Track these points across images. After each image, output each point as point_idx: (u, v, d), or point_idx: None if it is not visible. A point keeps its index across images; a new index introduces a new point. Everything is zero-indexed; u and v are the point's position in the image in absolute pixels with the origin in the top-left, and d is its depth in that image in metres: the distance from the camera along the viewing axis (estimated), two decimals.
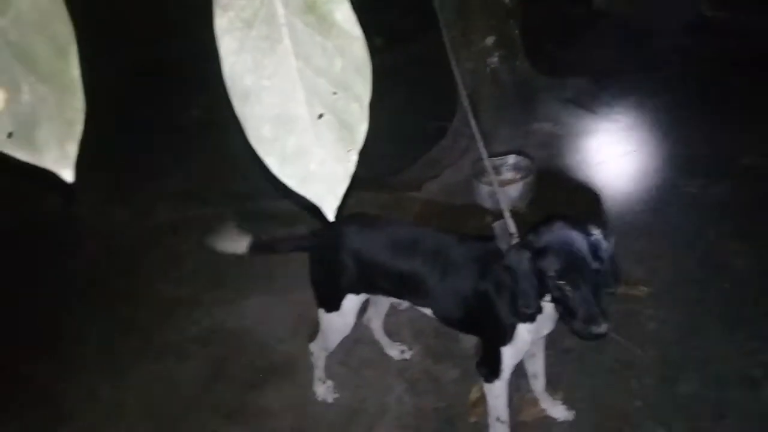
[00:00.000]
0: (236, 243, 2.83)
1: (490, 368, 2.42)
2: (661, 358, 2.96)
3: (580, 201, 3.95)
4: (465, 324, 2.49)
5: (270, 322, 3.53)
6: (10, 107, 0.63)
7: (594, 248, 2.00)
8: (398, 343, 3.20)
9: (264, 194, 4.53)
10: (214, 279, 3.85)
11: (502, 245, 2.20)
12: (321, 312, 2.68)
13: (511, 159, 3.99)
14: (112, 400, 3.21)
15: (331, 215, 0.80)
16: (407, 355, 3.18)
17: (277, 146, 0.78)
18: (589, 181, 4.12)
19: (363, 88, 0.78)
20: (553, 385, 2.83)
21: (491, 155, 4.06)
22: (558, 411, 2.80)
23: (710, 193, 3.83)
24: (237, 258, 3.95)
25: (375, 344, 3.22)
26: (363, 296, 2.60)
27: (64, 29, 0.65)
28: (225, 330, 3.52)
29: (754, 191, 3.78)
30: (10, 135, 0.64)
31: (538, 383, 2.77)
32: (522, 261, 2.04)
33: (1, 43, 0.63)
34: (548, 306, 2.18)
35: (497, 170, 3.98)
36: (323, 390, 3.03)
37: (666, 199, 3.83)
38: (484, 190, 3.89)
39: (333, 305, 2.60)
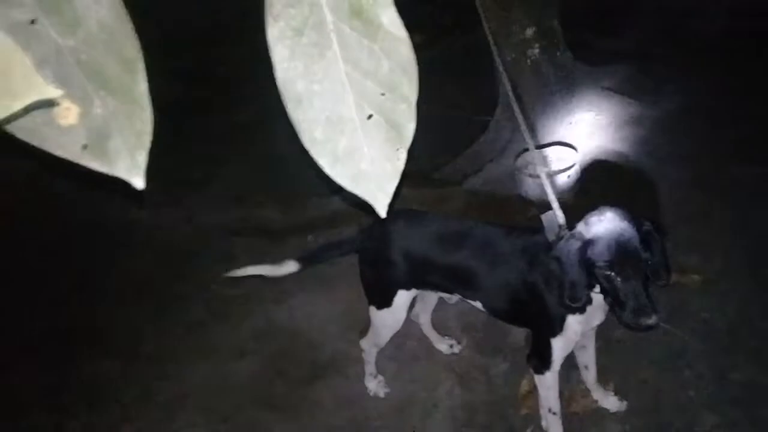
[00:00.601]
0: (284, 267, 2.87)
1: (541, 359, 2.44)
2: (714, 348, 2.93)
3: (629, 191, 3.89)
4: (514, 316, 2.51)
5: (320, 319, 3.59)
6: (83, 121, 0.68)
7: (644, 239, 2.00)
8: (447, 338, 3.23)
9: (313, 195, 4.63)
10: (265, 279, 3.92)
11: (550, 236, 2.21)
12: (372, 309, 2.72)
13: (556, 150, 3.95)
14: (170, 398, 3.31)
15: (382, 212, 0.83)
16: (456, 349, 3.20)
17: (329, 147, 0.82)
18: (637, 170, 4.07)
19: (410, 88, 0.82)
20: (604, 377, 2.82)
21: (535, 147, 4.07)
22: (610, 402, 2.79)
23: (761, 177, 3.73)
24: (288, 257, 4.08)
25: (423, 339, 3.25)
26: (413, 292, 2.64)
27: (130, 45, 0.70)
28: (277, 328, 3.59)
29: None
30: (84, 147, 0.69)
31: (589, 374, 2.76)
32: (571, 251, 2.05)
33: (72, 62, 0.68)
34: (598, 297, 2.18)
35: (542, 162, 3.96)
36: (375, 385, 3.07)
37: (719, 184, 3.75)
38: (528, 182, 3.88)
39: (384, 302, 2.64)
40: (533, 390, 2.89)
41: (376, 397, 3.07)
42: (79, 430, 3.24)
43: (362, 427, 2.98)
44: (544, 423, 2.66)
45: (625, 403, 2.78)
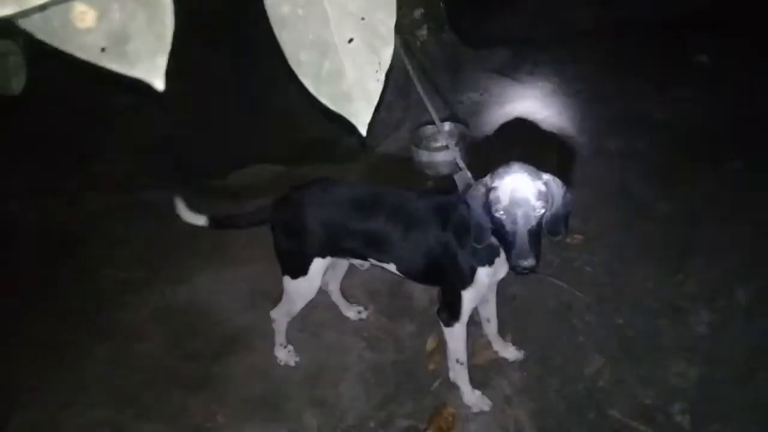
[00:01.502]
0: (197, 217, 2.94)
1: (451, 312, 2.59)
2: (598, 298, 3.23)
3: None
4: (427, 275, 2.63)
5: (223, 296, 3.56)
6: (101, 24, 0.71)
7: (541, 192, 2.16)
8: (354, 305, 3.32)
9: (200, 175, 4.56)
10: (162, 259, 3.84)
11: (462, 189, 2.34)
12: (286, 278, 2.75)
13: (447, 126, 4.15)
14: (70, 383, 3.16)
15: (363, 130, 0.91)
16: (364, 315, 3.31)
17: (313, 69, 0.88)
18: (519, 143, 4.35)
19: (388, 13, 0.89)
20: (502, 329, 3.03)
21: (425, 124, 4.26)
22: (509, 352, 3.01)
23: (630, 148, 4.15)
24: (182, 238, 4.00)
25: (331, 308, 3.32)
26: (328, 259, 2.69)
27: None
28: (179, 307, 3.52)
29: (669, 143, 4.13)
30: (103, 49, 0.71)
31: (491, 326, 2.96)
32: (477, 196, 2.20)
33: None
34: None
35: (434, 138, 4.15)
36: (285, 354, 3.11)
37: (591, 155, 4.11)
38: (423, 156, 4.04)
39: (300, 271, 2.68)
40: (438, 347, 3.07)
41: (287, 367, 3.11)
42: None
43: (276, 396, 3.01)
44: (451, 374, 2.83)
45: (522, 352, 3.01)
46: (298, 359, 3.13)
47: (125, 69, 0.72)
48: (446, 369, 2.88)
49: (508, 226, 2.12)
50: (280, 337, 3.08)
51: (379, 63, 0.91)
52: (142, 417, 2.95)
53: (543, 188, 2.14)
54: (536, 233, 2.13)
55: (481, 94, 4.89)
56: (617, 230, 3.56)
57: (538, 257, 2.13)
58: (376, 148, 4.47)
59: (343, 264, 3.08)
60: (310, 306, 3.17)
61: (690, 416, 2.69)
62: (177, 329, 3.40)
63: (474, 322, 2.94)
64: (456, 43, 4.99)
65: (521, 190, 2.11)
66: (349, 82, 0.90)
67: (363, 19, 0.87)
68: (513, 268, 2.16)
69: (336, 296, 3.27)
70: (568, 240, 3.49)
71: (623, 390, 2.82)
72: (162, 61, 0.73)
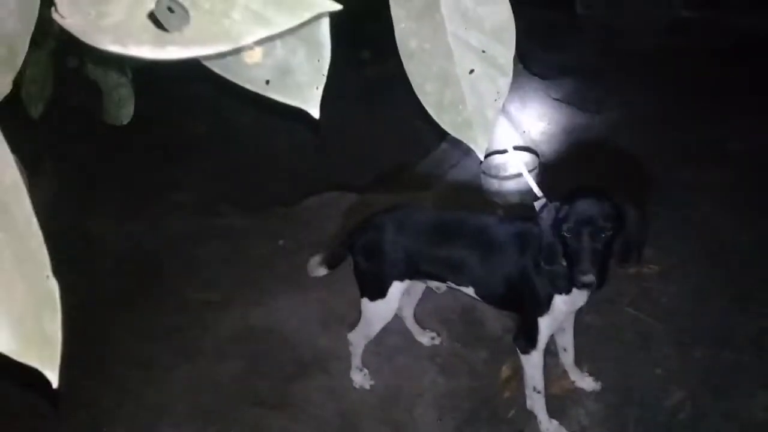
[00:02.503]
0: (320, 268, 3.05)
1: (528, 339, 2.60)
2: (677, 329, 3.18)
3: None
4: (505, 300, 2.66)
5: (299, 319, 3.64)
6: (267, 60, 0.80)
7: (610, 214, 2.18)
8: (427, 330, 3.36)
9: (276, 203, 4.71)
10: (240, 282, 3.96)
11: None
12: (364, 301, 2.83)
13: (518, 154, 4.18)
14: (153, 403, 3.27)
15: (481, 154, 0.97)
16: (437, 341, 3.33)
17: (436, 98, 0.96)
18: (590, 173, 4.34)
19: (507, 46, 0.96)
20: (578, 359, 3.01)
21: (494, 153, 4.30)
22: (586, 382, 2.99)
23: (706, 178, 4.08)
24: (259, 262, 4.14)
25: (404, 333, 3.36)
26: (407, 282, 2.76)
27: None
28: (257, 329, 3.62)
29: (746, 174, 4.05)
30: (268, 82, 0.80)
31: (567, 356, 2.95)
32: (548, 218, 2.27)
33: None
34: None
35: (504, 167, 4.19)
36: (360, 378, 3.16)
37: (665, 185, 4.06)
38: (493, 184, 4.08)
39: (379, 293, 2.75)
40: (514, 375, 3.07)
41: (362, 390, 3.15)
42: None
43: (351, 419, 3.06)
44: (528, 402, 2.82)
45: (599, 383, 2.98)
46: (373, 382, 3.17)
47: (287, 99, 0.80)
48: (522, 397, 2.88)
49: (574, 244, 2.17)
50: (356, 360, 3.13)
51: (498, 92, 0.98)
52: None
53: (612, 211, 2.18)
54: (602, 253, 2.17)
55: (548, 124, 4.91)
56: (695, 262, 3.51)
57: (602, 277, 2.19)
58: (445, 176, 4.53)
59: (417, 290, 3.13)
60: (384, 331, 3.22)
61: None
62: (255, 351, 3.50)
63: (550, 352, 2.92)
64: (522, 73, 5.05)
65: (589, 210, 2.18)
66: (469, 110, 0.97)
67: (484, 51, 0.94)
68: (573, 282, 2.23)
69: (410, 322, 3.31)
70: (645, 270, 3.45)
71: (705, 424, 2.75)
72: (319, 92, 0.81)
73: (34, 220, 0.65)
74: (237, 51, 0.77)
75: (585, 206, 2.18)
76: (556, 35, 5.90)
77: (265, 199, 4.79)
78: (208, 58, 0.74)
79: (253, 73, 0.80)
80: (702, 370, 2.96)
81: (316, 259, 3.06)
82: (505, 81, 0.98)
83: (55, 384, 0.61)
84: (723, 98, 4.87)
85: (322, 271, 3.02)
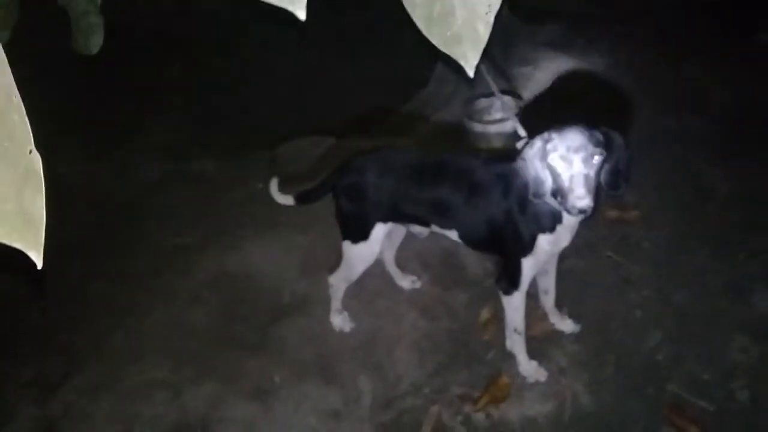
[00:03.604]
0: (286, 197, 3.02)
1: (511, 280, 2.58)
2: (656, 274, 3.19)
3: None
4: (489, 242, 2.62)
5: (277, 264, 3.59)
6: None
7: (599, 140, 2.15)
8: (408, 274, 3.33)
9: (251, 146, 4.60)
10: (215, 227, 3.89)
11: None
12: (346, 243, 2.77)
13: (500, 99, 4.10)
14: (125, 345, 3.24)
15: (471, 71, 0.91)
16: (417, 285, 3.32)
17: (425, 10, 0.89)
18: (573, 118, 4.29)
19: None
20: (559, 303, 3.01)
21: (477, 97, 4.23)
22: (566, 324, 3.00)
23: (689, 126, 4.06)
24: (234, 206, 4.06)
25: (385, 277, 3.33)
26: (390, 225, 2.71)
27: None
28: (234, 274, 3.56)
29: (729, 124, 4.03)
30: None
31: (548, 299, 2.95)
32: (533, 149, 2.23)
33: None
34: (567, 218, 2.34)
35: (488, 111, 4.12)
36: (340, 320, 3.14)
37: (649, 132, 4.03)
38: (476, 128, 4.02)
39: (361, 235, 2.70)
40: (493, 318, 3.07)
41: (341, 333, 3.14)
42: (31, 377, 3.14)
43: (330, 361, 3.04)
44: (508, 343, 2.82)
45: (579, 325, 2.99)
46: (353, 325, 3.15)
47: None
48: (501, 340, 2.88)
49: (565, 171, 2.14)
50: (336, 303, 3.11)
51: (489, 5, 0.91)
52: (201, 378, 3.00)
53: (601, 137, 2.16)
54: (593, 180, 2.14)
55: (534, 69, 4.83)
56: (676, 207, 3.50)
57: (595, 202, 2.14)
58: (428, 120, 4.45)
59: (399, 233, 3.09)
60: (365, 274, 3.19)
61: (750, 393, 2.65)
62: (232, 295, 3.45)
63: (530, 294, 2.91)
64: (508, 16, 4.93)
65: (579, 137, 2.14)
66: (459, 23, 0.90)
67: None
68: (567, 209, 2.17)
69: (390, 265, 3.28)
70: (626, 215, 3.44)
71: (682, 366, 2.78)
72: None
73: (16, 92, 0.58)
74: None
75: (574, 134, 2.14)
76: None
77: (242, 143, 4.68)
78: None
79: None
80: (680, 314, 2.99)
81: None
82: None
83: (39, 265, 0.58)
84: (708, 47, 4.82)
85: (289, 201, 2.99)
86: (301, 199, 2.97)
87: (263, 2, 0.74)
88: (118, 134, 4.98)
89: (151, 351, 3.20)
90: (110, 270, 3.73)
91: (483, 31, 0.91)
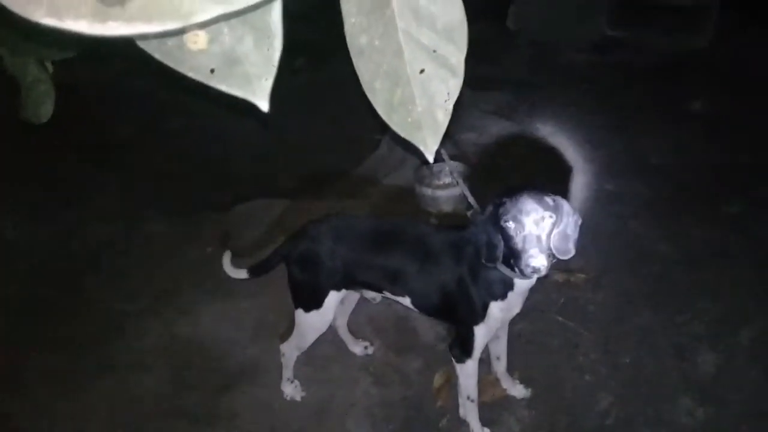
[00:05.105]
0: (239, 271, 2.98)
1: (463, 348, 2.60)
2: (603, 336, 3.26)
3: None
4: (441, 310, 2.64)
5: (226, 330, 3.53)
6: (212, 47, 0.74)
7: (549, 204, 2.20)
8: (360, 340, 3.32)
9: (203, 209, 4.56)
10: (165, 290, 3.81)
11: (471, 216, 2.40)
12: (299, 312, 2.75)
13: (449, 165, 4.20)
14: (71, 417, 3.10)
15: (430, 157, 0.95)
16: (370, 351, 3.30)
17: (385, 97, 0.93)
18: (518, 186, 4.42)
19: (458, 47, 0.94)
20: (509, 367, 3.03)
21: (427, 162, 4.31)
22: (517, 390, 3.02)
23: (629, 190, 4.24)
24: (184, 270, 4.00)
25: (337, 343, 3.31)
26: (343, 292, 2.71)
27: None
28: (183, 340, 3.48)
29: (667, 187, 4.22)
30: (212, 71, 0.75)
31: (500, 364, 2.97)
32: (486, 215, 2.30)
33: None
34: (519, 283, 2.39)
35: (437, 175, 4.21)
36: (291, 389, 3.08)
37: (592, 196, 4.19)
38: (427, 193, 4.09)
39: (314, 304, 2.68)
40: (446, 383, 3.07)
41: (293, 402, 3.08)
42: None
43: None
44: (461, 411, 2.82)
45: (530, 390, 3.01)
46: (304, 394, 3.10)
47: (233, 90, 0.75)
48: (454, 406, 2.88)
49: (518, 233, 2.18)
50: (287, 372, 3.06)
51: (448, 93, 0.95)
52: None
53: (550, 201, 2.22)
54: (545, 240, 2.19)
55: (479, 135, 4.98)
56: (620, 270, 3.62)
57: (548, 260, 2.17)
58: (379, 186, 4.51)
59: (352, 298, 3.08)
60: (317, 341, 3.16)
61: None
62: (180, 362, 3.37)
63: (482, 360, 2.93)
64: None
65: (529, 202, 2.19)
66: (419, 111, 0.94)
67: (435, 51, 0.92)
68: (522, 270, 2.19)
69: (343, 331, 3.26)
70: (572, 278, 3.53)
71: (632, 429, 2.83)
72: (268, 84, 0.76)
73: None
74: (180, 33, 0.72)
75: (524, 198, 2.20)
76: (488, 49, 5.99)
77: (194, 205, 4.63)
78: (147, 38, 0.68)
79: (198, 60, 0.74)
80: (628, 376, 3.05)
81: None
82: (456, 82, 0.96)
83: None
84: (646, 114, 5.08)
85: (242, 274, 2.96)
86: (254, 271, 2.94)
87: (222, 92, 0.76)
88: (65, 195, 4.87)
89: (95, 423, 3.07)
90: (54, 336, 3.59)
91: (442, 118, 0.95)
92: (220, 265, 3.71)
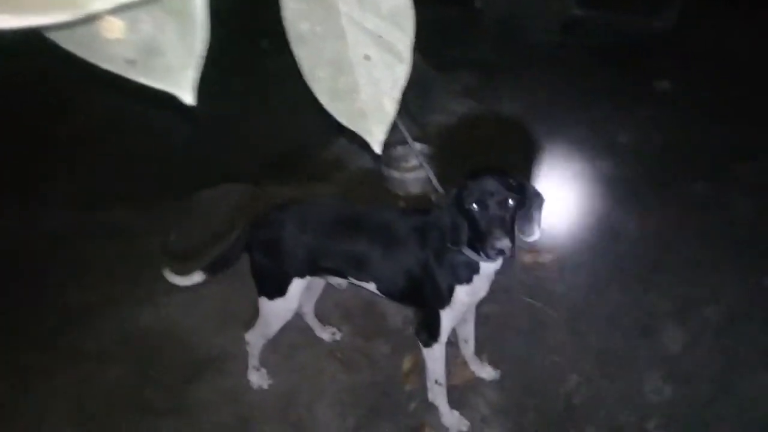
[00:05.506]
0: (190, 277, 2.86)
1: (430, 332, 2.58)
2: (571, 317, 3.27)
3: None
4: (406, 294, 2.61)
5: (192, 319, 3.47)
6: (130, 36, 0.68)
7: (512, 185, 2.21)
8: (328, 326, 3.28)
9: (165, 194, 4.46)
10: (129, 281, 3.73)
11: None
12: (262, 300, 2.69)
13: (417, 147, 4.16)
14: (28, 409, 3.03)
15: (377, 148, 0.90)
16: (338, 337, 3.27)
17: (328, 85, 0.87)
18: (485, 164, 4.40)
19: (406, 30, 0.89)
20: (478, 350, 3.03)
21: (395, 144, 4.27)
22: (486, 372, 3.02)
23: (596, 169, 4.25)
24: (146, 259, 3.91)
25: (304, 330, 3.27)
26: (307, 279, 2.66)
27: None
28: (146, 330, 3.41)
29: (634, 166, 4.23)
30: (131, 62, 0.69)
31: (468, 347, 2.96)
32: (449, 197, 2.28)
33: None
34: (484, 266, 2.37)
35: (404, 158, 4.16)
36: (258, 377, 3.05)
37: (560, 175, 4.18)
38: (394, 176, 4.05)
39: (277, 291, 2.62)
40: (414, 367, 3.06)
41: (260, 390, 3.05)
42: None
43: (248, 421, 2.94)
44: (430, 395, 2.81)
45: (499, 372, 3.02)
46: (271, 382, 3.07)
47: (154, 82, 0.69)
48: (423, 389, 2.86)
49: (482, 215, 2.18)
50: (253, 360, 3.01)
51: (395, 80, 0.90)
52: None
53: (513, 183, 2.23)
54: (509, 221, 2.20)
55: (447, 116, 4.94)
56: (587, 250, 3.63)
57: (512, 242, 2.17)
58: (347, 169, 4.45)
59: (318, 285, 3.04)
60: (283, 328, 3.12)
61: None
62: (143, 353, 3.30)
63: (450, 343, 2.92)
64: (422, 67, 5.04)
65: (493, 184, 2.19)
66: (363, 99, 0.89)
67: (380, 36, 0.87)
68: (487, 253, 2.19)
69: (310, 317, 3.22)
70: (539, 259, 3.53)
71: (600, 408, 2.85)
72: (192, 74, 0.70)
73: None
74: (89, 22, 0.66)
75: (488, 180, 2.20)
76: (455, 30, 5.94)
77: (155, 192, 4.52)
78: (51, 29, 0.62)
79: (114, 50, 0.68)
80: (595, 356, 3.06)
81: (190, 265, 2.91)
82: (403, 68, 0.91)
83: None
84: (612, 94, 5.08)
85: (197, 278, 2.85)
86: (212, 269, 2.84)
87: (144, 85, 0.70)
88: (21, 185, 4.73)
89: (56, 416, 3.01)
90: (13, 329, 3.50)
91: (389, 106, 0.90)
92: (182, 252, 3.64)
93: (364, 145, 0.92)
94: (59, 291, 3.76)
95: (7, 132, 4.86)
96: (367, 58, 0.88)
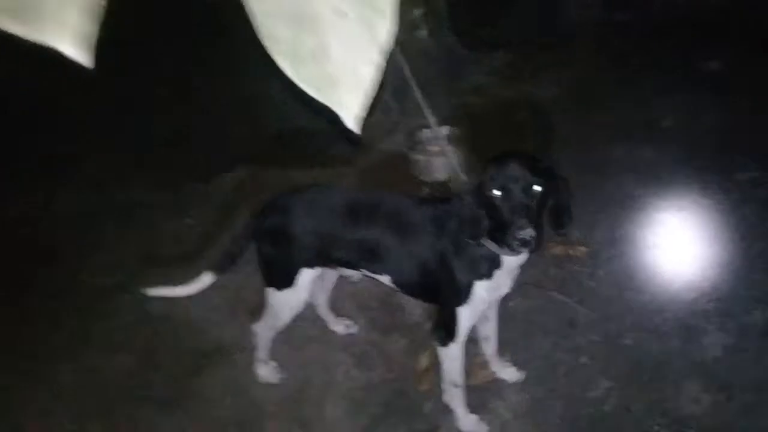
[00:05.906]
0: (200, 282, 2.69)
1: (447, 331, 2.38)
2: (604, 315, 3.02)
3: None
4: (423, 289, 2.42)
5: (202, 307, 3.31)
6: None
7: (538, 170, 2.01)
8: (342, 318, 3.11)
9: (184, 177, 4.34)
10: (139, 266, 3.62)
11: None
12: (270, 290, 2.53)
13: (444, 130, 3.95)
14: (30, 396, 2.97)
15: (351, 123, 0.69)
16: (353, 330, 3.10)
17: (292, 47, 0.66)
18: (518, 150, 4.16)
19: None
20: (501, 348, 2.82)
21: (421, 127, 4.06)
22: (508, 373, 2.81)
23: (636, 156, 3.95)
24: (161, 243, 3.80)
25: (317, 321, 3.11)
26: (317, 270, 2.48)
27: None
28: (156, 316, 3.29)
29: (677, 152, 3.93)
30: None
31: (489, 346, 2.76)
32: (471, 188, 2.10)
33: None
34: (507, 261, 2.17)
35: (431, 142, 3.94)
36: (266, 371, 2.90)
37: (595, 162, 3.91)
38: (419, 161, 3.85)
39: (286, 282, 2.46)
40: (432, 365, 2.86)
41: (268, 384, 2.90)
42: None
43: (256, 417, 2.81)
44: (445, 396, 2.62)
45: (522, 373, 2.80)
46: (280, 376, 2.91)
47: (34, 34, 0.52)
48: (440, 389, 2.66)
49: (504, 202, 1.99)
50: (262, 353, 2.86)
51: (375, 41, 0.69)
52: None
53: (542, 169, 2.03)
54: (535, 210, 2.00)
55: (480, 98, 4.70)
56: (623, 243, 3.36)
57: (539, 232, 1.97)
58: (370, 152, 4.26)
59: (331, 275, 2.86)
60: (295, 318, 2.96)
61: None
62: (153, 341, 3.21)
63: (471, 340, 2.72)
64: (455, 45, 4.81)
65: (516, 168, 2.00)
66: (334, 63, 0.68)
67: None
68: (510, 245, 1.99)
69: (323, 309, 3.05)
70: (571, 252, 3.29)
71: (631, 417, 2.60)
72: (87, 26, 0.52)
73: None
74: None
75: (512, 164, 2.00)
76: (491, 7, 5.65)
77: (173, 175, 4.39)
78: None
79: None
80: (628, 359, 2.82)
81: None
82: (386, 26, 0.69)
83: None
84: (657, 74, 4.77)
85: (206, 280, 2.68)
86: (222, 267, 2.68)
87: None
88: (39, 167, 4.66)
89: (61, 404, 2.93)
90: (22, 312, 3.43)
91: (367, 73, 0.68)
92: (199, 237, 3.52)
93: (343, 131, 0.73)
94: (71, 274, 3.69)
95: (25, 114, 4.81)
96: (338, 12, 0.67)
